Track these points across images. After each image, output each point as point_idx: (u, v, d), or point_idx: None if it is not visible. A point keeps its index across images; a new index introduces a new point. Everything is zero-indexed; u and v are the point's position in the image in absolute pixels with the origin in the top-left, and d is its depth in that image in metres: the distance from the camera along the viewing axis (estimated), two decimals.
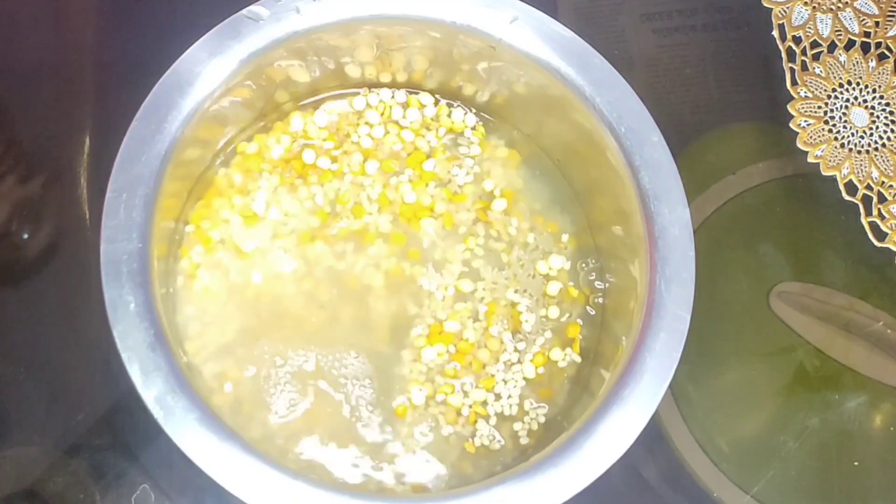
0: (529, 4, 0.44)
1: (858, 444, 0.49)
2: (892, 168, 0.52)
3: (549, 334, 0.46)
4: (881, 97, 0.53)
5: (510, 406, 0.44)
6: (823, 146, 0.52)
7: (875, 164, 0.52)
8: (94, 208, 0.48)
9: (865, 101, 0.53)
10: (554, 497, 0.38)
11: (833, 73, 0.53)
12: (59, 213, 0.49)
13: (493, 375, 0.44)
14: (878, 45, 0.54)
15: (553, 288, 0.46)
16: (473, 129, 0.48)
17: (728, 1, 0.57)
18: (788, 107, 0.53)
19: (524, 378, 0.45)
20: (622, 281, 0.45)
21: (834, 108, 0.53)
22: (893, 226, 0.51)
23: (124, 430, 0.45)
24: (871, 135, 0.53)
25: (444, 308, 0.45)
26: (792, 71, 0.53)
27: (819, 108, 0.53)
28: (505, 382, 0.44)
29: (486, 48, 0.44)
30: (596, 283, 0.47)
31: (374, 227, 0.46)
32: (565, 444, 0.38)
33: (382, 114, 0.48)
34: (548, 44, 0.44)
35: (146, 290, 0.38)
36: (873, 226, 0.51)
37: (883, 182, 0.52)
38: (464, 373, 0.45)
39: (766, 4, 0.55)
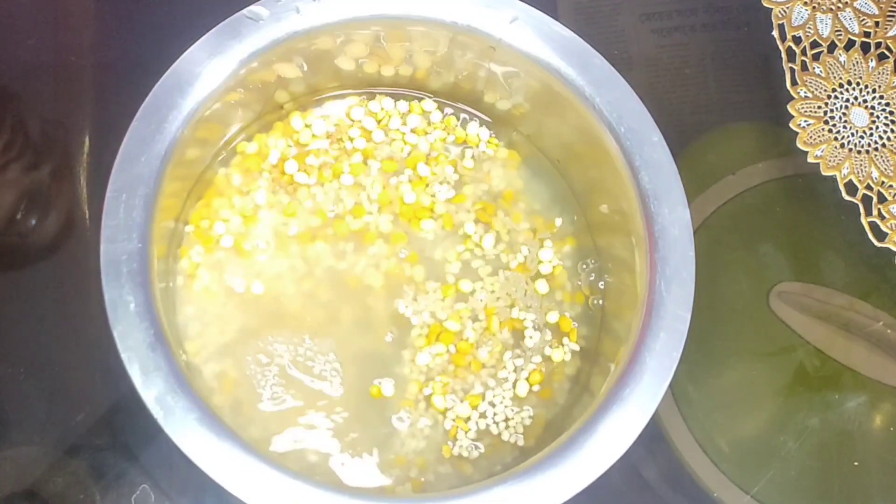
0: (529, 4, 0.44)
1: (858, 444, 0.49)
2: (892, 168, 0.52)
3: (548, 336, 0.46)
4: (881, 97, 0.53)
5: (496, 424, 0.44)
6: (823, 146, 0.52)
7: (875, 164, 0.52)
8: (94, 208, 0.48)
9: (865, 101, 0.53)
10: (554, 497, 0.38)
11: (833, 73, 0.53)
12: (59, 211, 0.49)
13: (481, 393, 0.44)
14: (878, 45, 0.54)
15: (546, 287, 0.46)
16: (488, 142, 0.48)
17: (728, 1, 0.57)
18: (788, 107, 0.53)
19: (515, 396, 0.45)
20: (622, 281, 0.45)
21: (834, 108, 0.53)
22: (893, 226, 0.51)
23: (124, 430, 0.45)
24: (871, 135, 0.53)
25: (444, 308, 0.45)
26: (792, 71, 0.53)
27: (819, 108, 0.53)
28: (493, 405, 0.44)
29: (486, 48, 0.44)
30: (596, 283, 0.47)
31: (374, 227, 0.46)
32: (565, 444, 0.38)
33: (380, 121, 0.48)
34: (548, 44, 0.44)
35: (146, 290, 0.38)
36: (873, 226, 0.51)
37: (883, 182, 0.52)
38: (463, 373, 0.45)
39: (766, 4, 0.55)
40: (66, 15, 0.53)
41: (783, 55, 0.54)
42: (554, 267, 0.47)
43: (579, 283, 0.47)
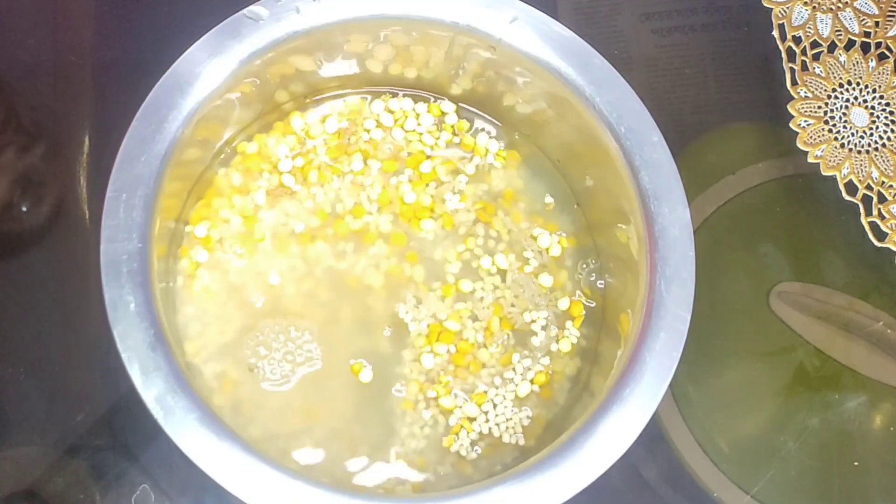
0: (529, 4, 0.44)
1: (858, 444, 0.49)
2: (892, 168, 0.52)
3: (553, 332, 0.46)
4: (881, 97, 0.53)
5: (497, 426, 0.44)
6: (823, 146, 0.52)
7: (875, 164, 0.52)
8: (94, 208, 0.48)
9: (865, 101, 0.53)
10: (554, 497, 0.38)
11: (833, 73, 0.53)
12: (52, 195, 0.49)
13: (485, 391, 0.44)
14: (878, 45, 0.54)
15: (550, 282, 0.46)
16: (496, 154, 0.48)
17: (728, 1, 0.57)
18: (788, 107, 0.53)
19: (517, 396, 0.45)
20: (622, 281, 0.45)
21: (834, 108, 0.53)
22: (893, 226, 0.51)
23: (124, 430, 0.45)
24: (871, 135, 0.53)
25: (444, 308, 0.45)
26: (792, 71, 0.53)
27: (819, 108, 0.53)
28: (495, 406, 0.44)
29: (486, 48, 0.44)
30: (596, 283, 0.47)
31: (374, 227, 0.46)
32: (565, 444, 0.38)
33: (397, 120, 0.48)
34: (548, 44, 0.44)
35: (146, 290, 0.38)
36: (873, 226, 0.51)
37: (883, 182, 0.52)
38: (463, 373, 0.45)
39: (766, 4, 0.54)
40: (66, 15, 0.53)
41: (783, 55, 0.54)
42: (554, 262, 0.47)
43: (579, 282, 0.47)
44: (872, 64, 0.54)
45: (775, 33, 0.54)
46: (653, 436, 0.47)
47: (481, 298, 0.46)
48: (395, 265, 0.46)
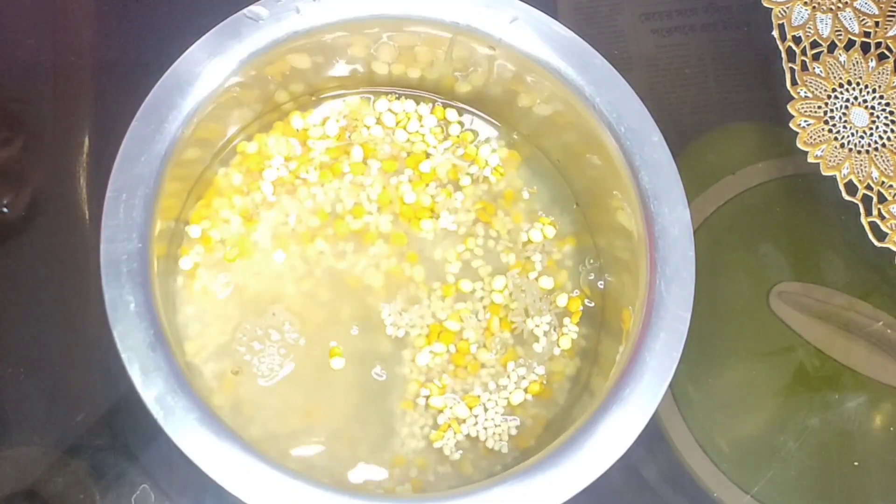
0: (529, 4, 0.44)
1: (858, 444, 0.49)
2: (892, 168, 0.52)
3: (554, 336, 0.46)
4: (881, 97, 0.53)
5: (484, 430, 0.44)
6: (823, 146, 0.52)
7: (875, 164, 0.52)
8: (94, 208, 0.48)
9: (865, 101, 0.53)
10: (554, 497, 0.38)
11: (833, 73, 0.53)
12: (56, 211, 0.49)
13: (479, 395, 0.44)
14: (878, 45, 0.54)
15: (551, 283, 0.46)
16: (494, 168, 0.48)
17: (728, 1, 0.57)
18: (788, 107, 0.53)
19: (509, 404, 0.44)
20: (622, 281, 0.45)
21: (834, 108, 0.53)
22: (893, 226, 0.51)
23: (124, 431, 0.45)
24: (871, 135, 0.53)
25: (443, 308, 0.45)
26: (792, 71, 0.53)
27: (819, 108, 0.53)
28: (486, 410, 0.44)
29: (485, 48, 0.44)
30: (596, 282, 0.47)
31: (374, 227, 0.46)
32: (565, 444, 0.38)
33: (399, 121, 0.48)
34: (548, 44, 0.44)
35: (146, 290, 0.38)
36: (873, 226, 0.51)
37: (883, 182, 0.52)
38: (463, 373, 0.45)
39: (765, 4, 0.54)
40: (66, 15, 0.53)
41: (783, 55, 0.54)
42: (554, 262, 0.47)
43: (579, 282, 0.47)
44: (872, 64, 0.54)
45: (775, 33, 0.54)
46: (653, 436, 0.47)
47: (481, 298, 0.46)
48: (395, 265, 0.46)
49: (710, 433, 0.48)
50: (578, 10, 0.56)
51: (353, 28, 0.44)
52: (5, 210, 0.48)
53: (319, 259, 0.46)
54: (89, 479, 0.45)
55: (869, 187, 0.52)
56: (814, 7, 0.54)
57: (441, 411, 0.44)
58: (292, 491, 0.36)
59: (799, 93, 0.53)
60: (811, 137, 0.52)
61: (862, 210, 0.51)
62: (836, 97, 0.53)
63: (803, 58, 0.54)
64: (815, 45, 0.54)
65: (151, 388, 0.37)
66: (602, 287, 0.47)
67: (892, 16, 0.55)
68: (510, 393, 0.44)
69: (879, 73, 0.54)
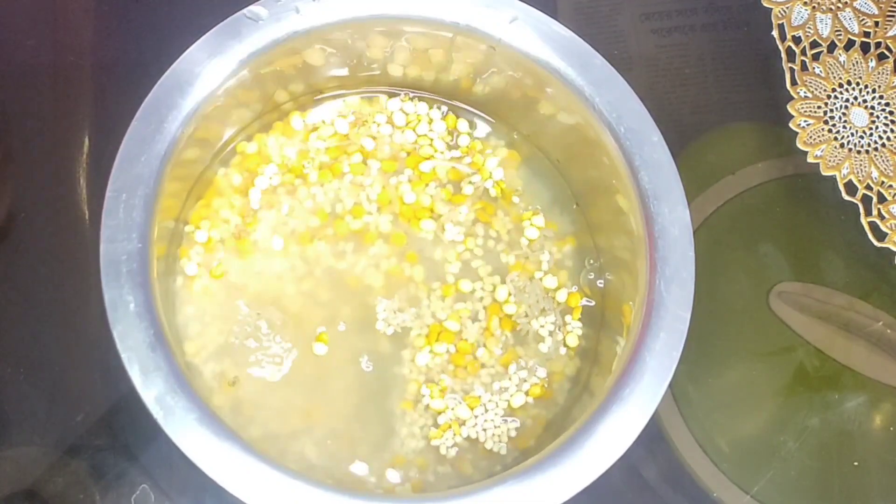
0: (529, 4, 0.44)
1: (858, 444, 0.49)
2: (891, 168, 0.52)
3: (560, 336, 0.46)
4: (881, 97, 0.53)
5: (483, 431, 0.44)
6: (823, 146, 0.52)
7: (875, 164, 0.52)
8: (94, 208, 0.48)
9: (865, 101, 0.53)
10: (554, 497, 0.38)
11: (833, 73, 0.53)
12: (56, 211, 0.49)
13: (479, 396, 0.44)
14: (878, 45, 0.54)
15: (551, 282, 0.46)
16: (496, 182, 0.47)
17: (728, 1, 0.57)
18: (788, 107, 0.53)
19: (510, 406, 0.44)
20: (622, 281, 0.45)
21: (834, 108, 0.53)
22: (893, 226, 0.51)
23: (124, 431, 0.45)
24: (871, 135, 0.53)
25: (443, 308, 0.45)
26: (792, 71, 0.53)
27: (819, 108, 0.53)
28: (486, 410, 0.44)
29: (485, 48, 0.44)
30: (596, 282, 0.47)
31: (374, 227, 0.46)
32: (565, 444, 0.38)
33: (409, 122, 0.48)
34: (548, 44, 0.44)
35: (146, 290, 0.38)
36: (873, 226, 0.51)
37: (883, 182, 0.52)
38: (463, 373, 0.45)
39: (765, 4, 0.55)
40: (66, 15, 0.53)
41: (783, 55, 0.54)
42: (554, 265, 0.47)
43: (579, 282, 0.47)
44: (872, 64, 0.54)
45: (775, 33, 0.54)
46: (653, 436, 0.47)
47: (481, 298, 0.46)
48: (395, 265, 0.46)
49: (710, 433, 0.48)
50: (578, 10, 0.56)
51: (352, 28, 0.44)
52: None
53: (319, 259, 0.46)
54: (89, 479, 0.45)
55: (869, 187, 0.52)
56: (814, 7, 0.55)
57: (442, 412, 0.44)
58: (292, 491, 0.36)
59: (799, 93, 0.53)
60: (811, 137, 0.52)
61: (862, 210, 0.51)
62: (835, 97, 0.53)
63: (803, 58, 0.54)
64: (814, 45, 0.54)
65: (151, 388, 0.37)
66: (602, 287, 0.47)
67: (892, 16, 0.55)
68: (511, 395, 0.44)
69: (879, 73, 0.54)
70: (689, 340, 0.40)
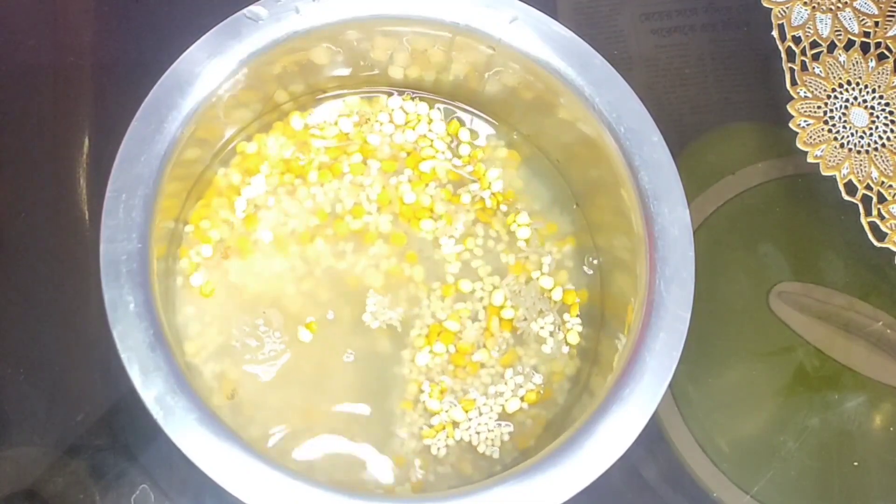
0: (529, 4, 0.44)
1: (858, 444, 0.49)
2: (891, 168, 0.52)
3: (560, 336, 0.46)
4: (881, 97, 0.53)
5: (476, 434, 0.44)
6: (823, 146, 0.52)
7: (875, 164, 0.52)
8: (94, 208, 0.48)
9: (865, 101, 0.53)
10: (554, 497, 0.38)
11: (833, 73, 0.53)
12: (56, 211, 0.49)
13: (474, 399, 0.44)
14: (878, 45, 0.54)
15: (547, 283, 0.46)
16: (493, 194, 0.47)
17: (728, 1, 0.57)
18: (788, 107, 0.53)
19: (504, 411, 0.44)
20: (622, 281, 0.45)
21: (833, 108, 0.53)
22: (893, 226, 0.51)
23: (124, 430, 0.45)
24: (871, 135, 0.53)
25: (443, 308, 0.45)
26: (792, 71, 0.53)
27: (819, 108, 0.53)
28: (480, 414, 0.44)
29: (485, 48, 0.44)
30: (596, 283, 0.47)
31: (373, 227, 0.46)
32: (565, 444, 0.38)
33: (409, 121, 0.48)
34: (548, 44, 0.44)
35: (146, 290, 0.38)
36: (873, 226, 0.51)
37: (883, 182, 0.52)
38: (462, 373, 0.45)
39: (765, 4, 0.55)
40: (66, 15, 0.53)
41: (783, 55, 0.54)
42: (555, 265, 0.47)
43: (579, 282, 0.47)
44: (872, 64, 0.54)
45: (775, 33, 0.54)
46: (653, 436, 0.47)
47: (481, 298, 0.46)
48: (395, 265, 0.46)
49: (710, 433, 0.48)
50: (578, 10, 0.56)
51: (352, 28, 0.44)
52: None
53: (319, 259, 0.46)
54: (89, 479, 0.45)
55: (869, 187, 0.52)
56: (813, 7, 0.55)
57: (437, 414, 0.44)
58: (292, 491, 0.36)
59: (799, 93, 0.53)
60: (811, 137, 0.52)
61: (862, 210, 0.51)
62: (835, 97, 0.53)
63: (803, 58, 0.54)
64: (814, 45, 0.54)
65: (151, 389, 0.37)
66: (602, 287, 0.47)
67: (892, 16, 0.55)
68: (506, 400, 0.44)
69: (879, 73, 0.54)
70: (689, 340, 0.40)
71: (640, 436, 0.39)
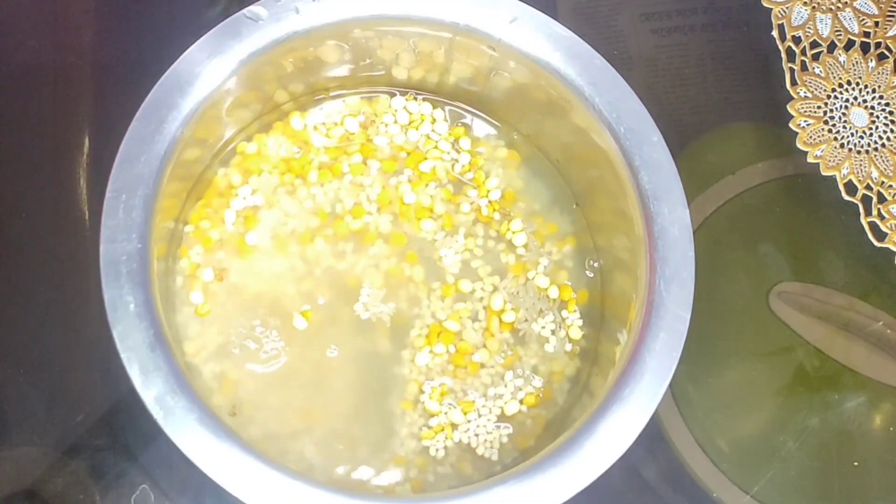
0: (529, 4, 0.44)
1: (858, 444, 0.49)
2: (891, 168, 0.52)
3: (562, 333, 0.46)
4: (881, 97, 0.53)
5: (475, 436, 0.44)
6: (823, 146, 0.52)
7: (875, 164, 0.52)
8: (94, 208, 0.48)
9: (865, 101, 0.53)
10: (554, 497, 0.38)
11: (833, 73, 0.53)
12: (56, 211, 0.49)
13: (473, 401, 0.44)
14: (878, 45, 0.54)
15: (543, 282, 0.46)
16: (490, 202, 0.47)
17: (728, 1, 0.57)
18: (788, 107, 0.53)
19: (503, 413, 0.44)
20: (622, 281, 0.45)
21: (833, 108, 0.53)
22: (893, 226, 0.51)
23: (124, 431, 0.45)
24: (871, 135, 0.53)
25: (443, 308, 0.45)
26: (791, 71, 0.53)
27: (819, 108, 0.53)
28: (479, 415, 0.44)
29: (486, 49, 0.44)
30: (596, 283, 0.47)
31: (373, 227, 0.46)
32: (565, 444, 0.38)
33: (412, 121, 0.48)
34: (548, 44, 0.44)
35: (146, 290, 0.38)
36: (873, 226, 0.51)
37: (882, 182, 0.52)
38: (462, 374, 0.45)
39: (765, 4, 0.55)
40: (65, 15, 0.53)
41: (783, 55, 0.54)
42: (554, 265, 0.47)
43: (579, 282, 0.47)
44: (872, 64, 0.54)
45: (775, 33, 0.54)
46: (653, 436, 0.47)
47: (481, 299, 0.46)
48: (395, 265, 0.46)
49: (710, 433, 0.48)
50: (578, 10, 0.56)
51: (352, 28, 0.44)
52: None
53: (319, 259, 0.46)
54: (89, 479, 0.45)
55: (869, 187, 0.52)
56: (813, 7, 0.55)
57: (436, 415, 0.44)
58: (292, 491, 0.36)
59: (799, 93, 0.53)
60: (811, 137, 0.52)
61: (862, 210, 0.51)
62: (835, 97, 0.53)
63: (803, 58, 0.54)
64: (814, 45, 0.54)
65: (151, 389, 0.37)
66: (602, 287, 0.47)
67: (892, 16, 0.55)
68: (505, 402, 0.44)
69: (879, 73, 0.54)
70: (689, 340, 0.40)
71: (640, 436, 0.39)
